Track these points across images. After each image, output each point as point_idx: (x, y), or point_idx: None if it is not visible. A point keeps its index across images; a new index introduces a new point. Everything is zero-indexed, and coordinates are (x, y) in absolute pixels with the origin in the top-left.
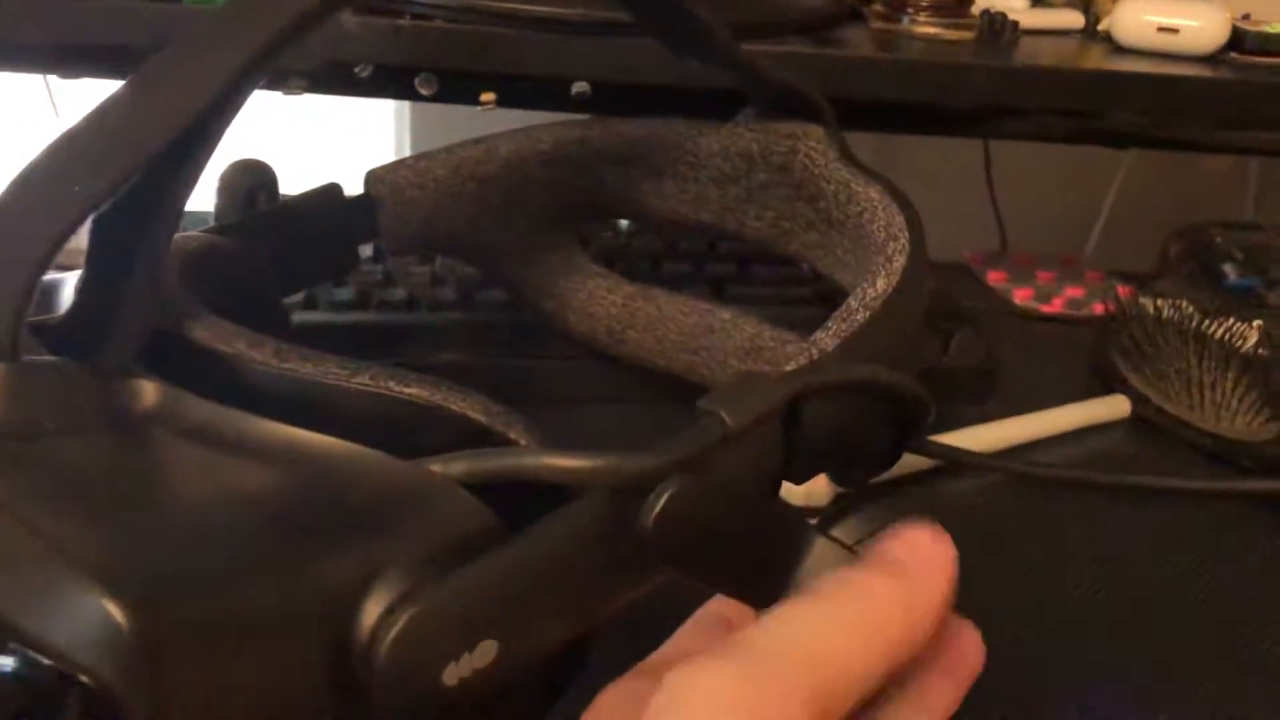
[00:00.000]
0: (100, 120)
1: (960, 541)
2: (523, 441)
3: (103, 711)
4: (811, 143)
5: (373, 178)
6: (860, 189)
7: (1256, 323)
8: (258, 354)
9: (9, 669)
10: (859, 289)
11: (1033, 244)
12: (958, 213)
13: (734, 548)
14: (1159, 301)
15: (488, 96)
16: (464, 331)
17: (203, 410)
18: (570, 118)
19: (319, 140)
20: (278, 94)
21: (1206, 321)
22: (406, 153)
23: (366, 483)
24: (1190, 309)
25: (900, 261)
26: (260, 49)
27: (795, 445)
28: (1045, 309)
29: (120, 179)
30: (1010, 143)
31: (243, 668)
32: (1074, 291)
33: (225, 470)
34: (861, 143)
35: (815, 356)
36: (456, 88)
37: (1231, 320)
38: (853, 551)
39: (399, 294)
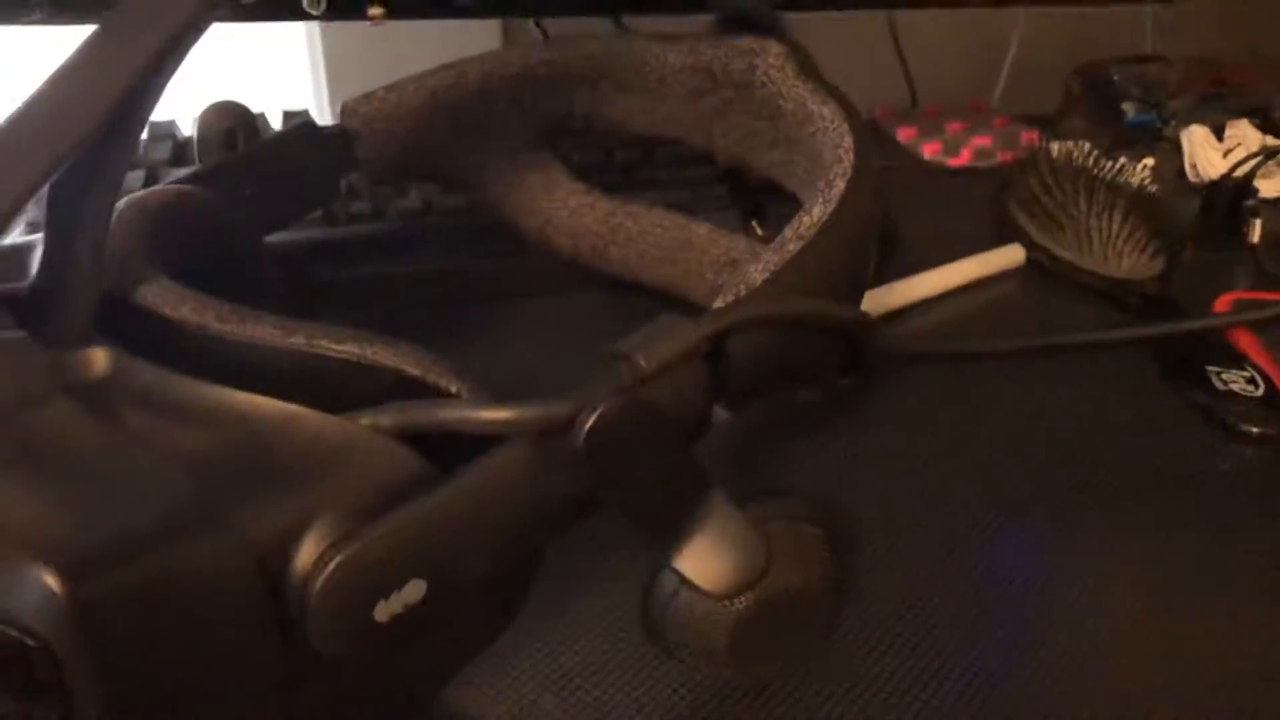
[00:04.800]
0: (30, 110)
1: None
2: (454, 389)
3: (49, 670)
4: (769, 59)
5: (346, 110)
6: (816, 108)
7: (1146, 160)
8: (200, 318)
9: None
10: (796, 218)
11: (944, 93)
12: (870, 66)
13: (654, 468)
14: (1057, 147)
15: (376, 11)
16: (433, 237)
17: (148, 376)
18: (536, 39)
19: (233, 64)
20: None
21: (1099, 162)
22: (322, 72)
23: (298, 438)
24: (1088, 149)
25: (840, 187)
26: (179, 29)
27: (725, 378)
28: (953, 162)
29: (57, 162)
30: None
31: (177, 621)
32: (981, 141)
33: (165, 434)
34: None
35: (741, 294)
36: (344, 4)
37: (1121, 159)
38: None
39: (364, 207)
